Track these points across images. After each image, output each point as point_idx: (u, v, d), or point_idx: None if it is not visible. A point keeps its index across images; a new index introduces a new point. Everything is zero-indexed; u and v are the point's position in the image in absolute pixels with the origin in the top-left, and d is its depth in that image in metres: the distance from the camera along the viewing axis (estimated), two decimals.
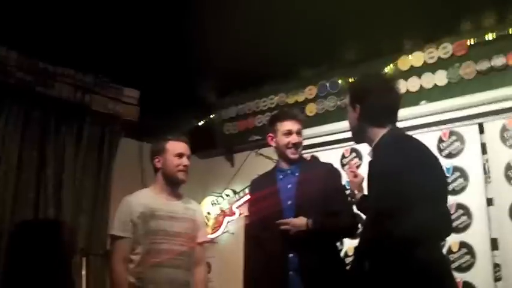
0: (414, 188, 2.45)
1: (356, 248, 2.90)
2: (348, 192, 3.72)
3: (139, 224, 3.65)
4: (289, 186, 3.71)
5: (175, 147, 3.84)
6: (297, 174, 3.73)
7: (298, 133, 3.75)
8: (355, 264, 2.87)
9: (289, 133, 3.73)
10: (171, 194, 3.87)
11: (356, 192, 3.58)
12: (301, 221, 3.49)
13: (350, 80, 5.50)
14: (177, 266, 3.68)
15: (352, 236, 4.04)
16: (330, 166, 3.88)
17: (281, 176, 3.78)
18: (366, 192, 3.50)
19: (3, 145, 4.69)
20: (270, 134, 3.83)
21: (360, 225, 4.53)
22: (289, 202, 3.65)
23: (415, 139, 2.82)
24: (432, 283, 2.45)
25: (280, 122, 3.80)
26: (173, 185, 3.87)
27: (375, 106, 2.84)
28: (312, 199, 3.59)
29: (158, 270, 3.60)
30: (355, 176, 3.64)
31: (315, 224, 3.47)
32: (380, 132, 2.83)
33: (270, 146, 3.88)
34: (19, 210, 4.71)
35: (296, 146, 3.73)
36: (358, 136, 3.01)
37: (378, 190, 2.66)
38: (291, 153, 3.74)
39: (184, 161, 3.82)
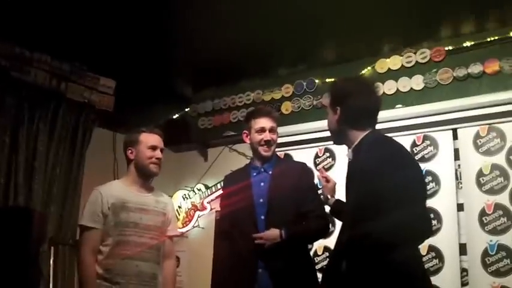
0: (394, 190, 2.47)
1: (334, 248, 2.89)
2: (321, 195, 3.67)
3: (109, 215, 3.62)
4: (262, 184, 3.71)
5: (149, 139, 3.81)
6: (270, 172, 3.73)
7: (272, 131, 3.74)
8: (332, 264, 2.87)
9: (262, 130, 3.73)
10: (143, 186, 3.84)
11: (329, 197, 3.56)
12: (274, 232, 3.48)
13: (327, 80, 5.52)
14: (146, 259, 3.66)
15: (324, 237, 4.05)
16: (303, 165, 3.89)
17: (254, 173, 3.78)
18: (338, 196, 3.53)
19: None
20: (245, 131, 3.84)
21: (331, 226, 4.55)
22: (261, 200, 3.65)
23: (395, 141, 2.83)
24: (408, 284, 2.47)
25: (254, 119, 3.80)
26: (145, 178, 3.84)
27: (355, 109, 2.84)
28: (284, 198, 3.59)
29: (127, 262, 3.57)
30: (327, 181, 3.62)
31: (288, 233, 3.47)
32: (360, 135, 2.84)
33: (245, 142, 3.88)
34: None
35: (268, 143, 3.72)
36: (338, 138, 3.02)
37: (357, 191, 2.67)
38: (263, 151, 3.74)
39: (157, 153, 3.80)
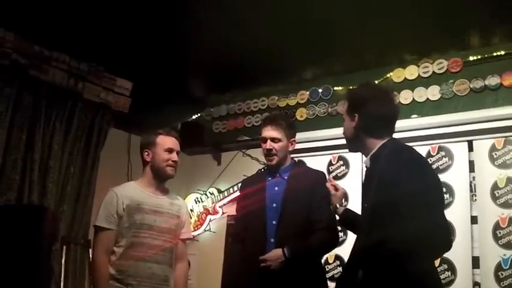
0: (414, 198, 2.43)
1: (349, 257, 2.84)
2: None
3: (124, 217, 3.63)
4: (276, 188, 3.69)
5: (166, 141, 3.82)
6: (285, 177, 3.71)
7: (274, 140, 3.69)
8: (347, 273, 2.82)
9: (263, 140, 3.74)
10: (158, 188, 3.84)
11: (338, 206, 3.41)
12: (276, 253, 3.44)
13: (343, 88, 5.52)
14: (158, 261, 3.66)
15: (332, 249, 3.98)
16: (319, 173, 3.81)
17: (270, 178, 3.77)
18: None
19: None
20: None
21: (343, 235, 4.52)
22: (274, 205, 3.63)
23: (414, 150, 2.77)
24: None
25: (262, 128, 3.81)
26: (160, 180, 3.85)
27: (374, 117, 2.81)
28: (297, 204, 3.57)
29: (139, 264, 3.58)
30: (336, 189, 3.49)
31: (291, 252, 3.43)
32: (378, 143, 2.81)
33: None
34: (3, 191, 4.70)
35: (268, 152, 3.71)
36: (354, 145, 2.99)
37: (375, 199, 2.61)
38: (266, 160, 3.76)
39: (174, 156, 3.80)
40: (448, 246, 2.56)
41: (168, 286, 3.71)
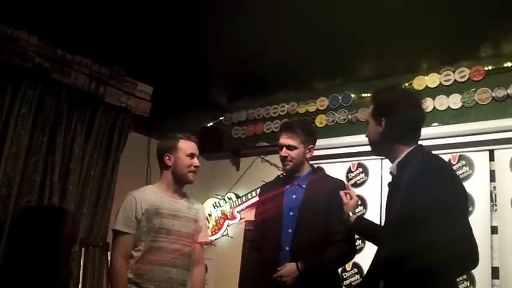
0: (441, 212, 2.33)
1: (370, 266, 2.76)
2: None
3: (142, 221, 3.63)
4: (293, 196, 3.68)
5: (188, 146, 3.81)
6: (304, 186, 3.69)
7: (289, 147, 3.69)
8: (368, 282, 2.75)
9: (280, 147, 3.74)
10: (176, 192, 3.85)
11: (350, 214, 3.30)
12: (290, 268, 3.42)
13: (363, 95, 5.51)
14: (176, 265, 3.66)
15: (347, 263, 3.92)
16: (338, 183, 3.73)
17: (288, 186, 3.75)
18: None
19: (15, 127, 4.71)
20: None
21: (361, 242, 4.50)
22: (290, 213, 3.62)
23: (443, 160, 2.68)
24: None
25: (278, 135, 3.83)
26: (180, 184, 3.85)
27: (403, 123, 2.72)
28: (314, 215, 3.55)
29: (157, 268, 3.58)
30: (351, 198, 3.38)
31: (305, 266, 3.41)
32: (405, 149, 2.71)
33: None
34: (24, 192, 4.74)
35: (283, 159, 3.72)
36: (379, 150, 2.91)
37: (401, 209, 2.51)
38: (282, 165, 3.77)
39: (196, 161, 3.81)
40: (474, 262, 2.43)
41: None
